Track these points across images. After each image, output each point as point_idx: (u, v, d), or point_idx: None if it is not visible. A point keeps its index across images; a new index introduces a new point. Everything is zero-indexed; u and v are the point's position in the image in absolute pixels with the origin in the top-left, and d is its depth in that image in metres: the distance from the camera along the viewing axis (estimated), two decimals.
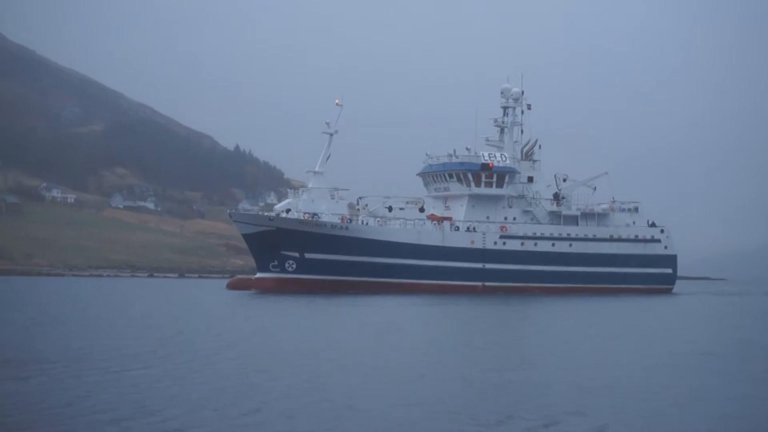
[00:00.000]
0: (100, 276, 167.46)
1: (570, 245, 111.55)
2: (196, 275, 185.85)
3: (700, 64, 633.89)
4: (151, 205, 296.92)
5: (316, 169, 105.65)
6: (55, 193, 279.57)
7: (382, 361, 34.36)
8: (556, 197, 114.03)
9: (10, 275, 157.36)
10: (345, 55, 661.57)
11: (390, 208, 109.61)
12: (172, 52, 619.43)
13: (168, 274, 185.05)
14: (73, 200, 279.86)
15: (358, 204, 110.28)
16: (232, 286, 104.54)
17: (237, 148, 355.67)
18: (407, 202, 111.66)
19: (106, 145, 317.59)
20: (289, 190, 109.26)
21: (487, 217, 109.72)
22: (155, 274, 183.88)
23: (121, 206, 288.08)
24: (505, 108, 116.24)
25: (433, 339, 44.92)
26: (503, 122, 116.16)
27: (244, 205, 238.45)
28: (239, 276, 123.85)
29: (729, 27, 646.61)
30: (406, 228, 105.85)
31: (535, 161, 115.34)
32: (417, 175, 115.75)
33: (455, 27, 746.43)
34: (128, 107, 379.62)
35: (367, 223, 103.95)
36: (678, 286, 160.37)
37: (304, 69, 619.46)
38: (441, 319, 62.07)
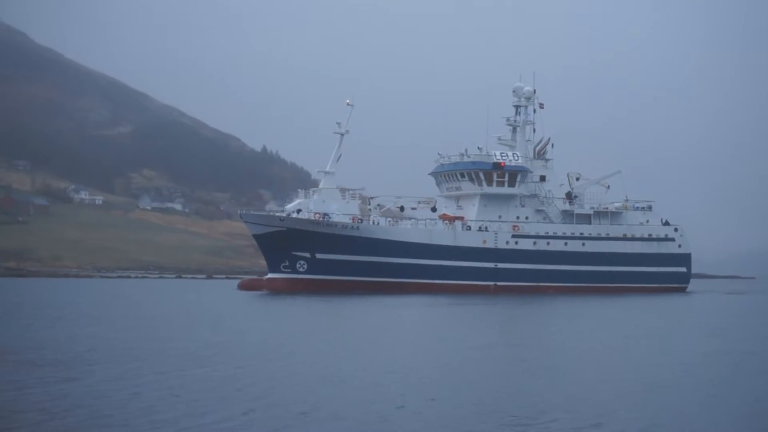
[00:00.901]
0: (128, 277, 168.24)
1: (583, 244, 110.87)
2: (224, 276, 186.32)
3: (718, 63, 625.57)
4: (178, 207, 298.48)
5: (327, 169, 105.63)
6: (84, 194, 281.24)
7: (423, 361, 34.46)
8: (569, 196, 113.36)
9: (38, 277, 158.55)
10: (360, 56, 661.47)
11: (402, 208, 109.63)
12: (199, 55, 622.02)
13: (196, 275, 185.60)
14: (101, 202, 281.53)
15: (369, 204, 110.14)
16: (243, 287, 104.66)
17: (264, 149, 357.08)
18: (419, 202, 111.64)
19: (133, 146, 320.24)
20: (299, 190, 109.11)
21: (500, 217, 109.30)
22: (183, 276, 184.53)
23: (149, 207, 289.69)
24: (517, 107, 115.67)
25: (464, 338, 44.72)
26: (515, 121, 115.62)
27: (272, 206, 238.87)
28: (250, 277, 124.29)
29: (748, 27, 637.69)
30: (418, 228, 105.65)
31: (547, 160, 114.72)
32: (429, 174, 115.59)
33: (469, 25, 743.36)
34: (155, 109, 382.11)
35: (378, 223, 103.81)
36: (706, 285, 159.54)
37: (327, 71, 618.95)
38: (467, 319, 61.63)
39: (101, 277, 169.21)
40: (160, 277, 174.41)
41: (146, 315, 57.82)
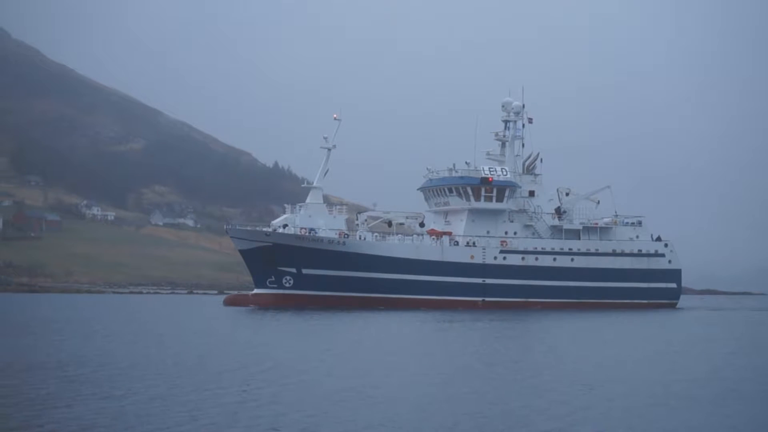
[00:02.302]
0: (140, 293, 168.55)
1: (572, 260, 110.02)
2: (236, 291, 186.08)
3: (724, 78, 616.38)
4: (190, 222, 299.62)
5: (314, 184, 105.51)
6: (95, 210, 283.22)
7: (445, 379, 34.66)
8: (558, 211, 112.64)
9: (50, 293, 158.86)
10: (357, 76, 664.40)
11: (390, 223, 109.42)
12: (210, 71, 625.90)
13: (208, 291, 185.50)
14: (113, 218, 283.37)
15: (357, 219, 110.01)
16: (229, 303, 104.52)
17: (276, 164, 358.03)
18: (407, 217, 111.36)
19: (145, 162, 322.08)
20: (286, 205, 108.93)
21: (488, 232, 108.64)
22: (195, 291, 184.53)
23: (161, 223, 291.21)
24: (506, 121, 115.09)
25: (475, 355, 44.61)
26: (504, 136, 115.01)
27: None
28: (236, 292, 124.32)
29: (747, 51, 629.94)
30: (404, 243, 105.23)
31: (536, 175, 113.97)
32: (418, 189, 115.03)
33: (461, 40, 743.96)
34: (167, 125, 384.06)
35: (364, 238, 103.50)
36: (700, 301, 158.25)
37: (327, 89, 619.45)
38: (470, 336, 61.20)
39: (113, 292, 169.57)
40: (172, 293, 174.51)
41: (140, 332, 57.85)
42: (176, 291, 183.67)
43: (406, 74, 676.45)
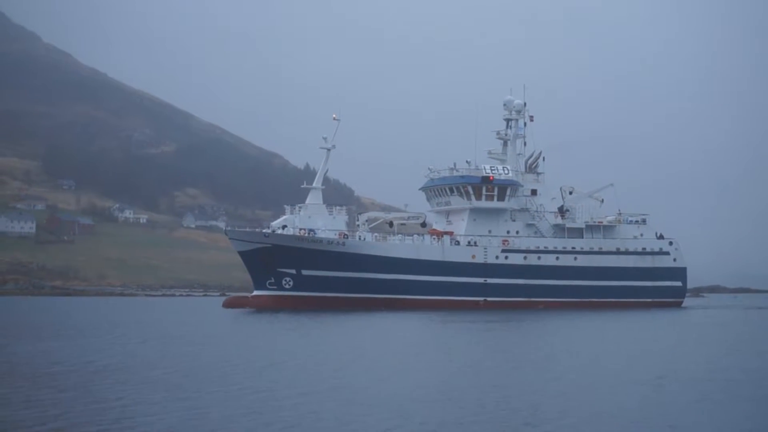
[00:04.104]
0: (173, 296, 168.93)
1: (575, 258, 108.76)
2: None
3: (727, 81, 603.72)
4: (222, 225, 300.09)
5: (314, 184, 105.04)
6: (128, 213, 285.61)
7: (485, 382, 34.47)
8: (561, 210, 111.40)
9: (84, 296, 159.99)
10: (349, 70, 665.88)
11: (391, 224, 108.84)
12: (241, 74, 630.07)
13: (240, 293, 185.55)
14: (145, 220, 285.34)
15: (357, 219, 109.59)
16: (228, 305, 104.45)
17: (307, 166, 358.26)
18: (409, 217, 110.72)
19: (177, 165, 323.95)
20: (285, 206, 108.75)
21: (489, 231, 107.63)
22: (227, 293, 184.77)
23: (193, 226, 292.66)
24: (507, 120, 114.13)
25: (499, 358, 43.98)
26: (506, 134, 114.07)
27: None
28: (235, 294, 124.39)
29: (750, 50, 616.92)
30: (405, 243, 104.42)
31: (539, 174, 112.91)
32: (420, 189, 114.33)
33: (462, 38, 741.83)
34: (199, 128, 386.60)
35: (364, 239, 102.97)
36: (702, 300, 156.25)
37: (350, 88, 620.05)
38: (491, 336, 60.57)
39: (145, 295, 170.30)
40: (205, 295, 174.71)
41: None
42: (209, 293, 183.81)
43: (409, 73, 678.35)
